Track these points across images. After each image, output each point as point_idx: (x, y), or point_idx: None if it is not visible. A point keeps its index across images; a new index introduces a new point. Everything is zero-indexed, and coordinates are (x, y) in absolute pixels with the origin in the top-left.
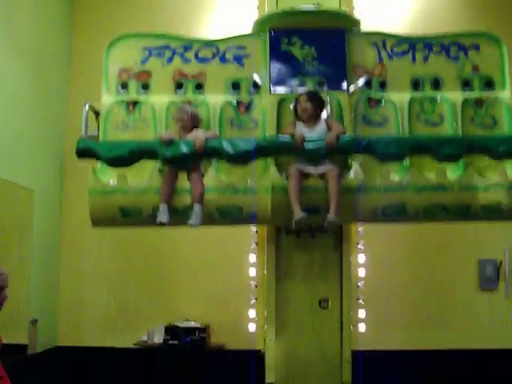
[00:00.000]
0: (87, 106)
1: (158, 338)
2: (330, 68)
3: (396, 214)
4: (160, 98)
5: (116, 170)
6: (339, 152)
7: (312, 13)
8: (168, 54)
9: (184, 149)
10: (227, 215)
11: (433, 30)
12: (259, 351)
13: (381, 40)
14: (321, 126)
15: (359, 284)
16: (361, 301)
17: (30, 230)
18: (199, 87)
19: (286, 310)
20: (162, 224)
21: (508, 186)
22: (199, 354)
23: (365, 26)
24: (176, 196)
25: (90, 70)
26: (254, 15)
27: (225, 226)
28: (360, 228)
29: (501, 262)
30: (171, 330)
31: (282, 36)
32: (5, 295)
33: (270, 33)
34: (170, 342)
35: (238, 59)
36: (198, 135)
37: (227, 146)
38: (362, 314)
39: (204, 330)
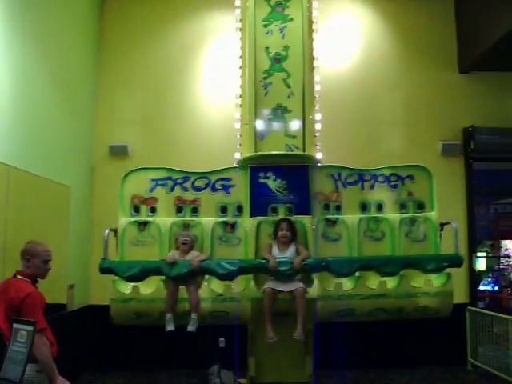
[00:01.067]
0: (107, 232)
1: None
2: (297, 196)
3: (347, 315)
4: (164, 219)
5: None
6: (304, 272)
7: (282, 155)
8: (170, 183)
9: (184, 269)
10: (217, 318)
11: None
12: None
13: (336, 172)
14: (291, 249)
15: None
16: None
17: (67, 217)
18: (195, 211)
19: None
20: (170, 332)
21: (433, 293)
22: None
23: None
24: (177, 304)
25: (114, 91)
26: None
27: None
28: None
29: None
30: None
31: (259, 171)
32: (49, 266)
33: (250, 169)
34: None
35: (225, 188)
36: (193, 257)
37: (216, 267)
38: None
39: None
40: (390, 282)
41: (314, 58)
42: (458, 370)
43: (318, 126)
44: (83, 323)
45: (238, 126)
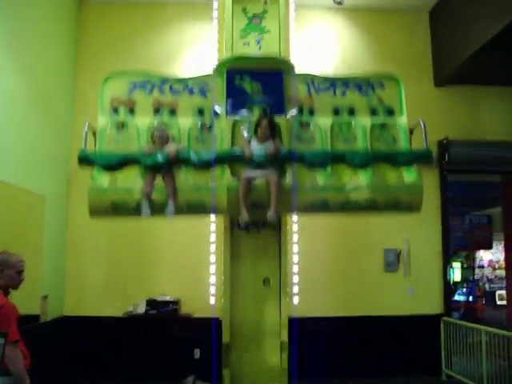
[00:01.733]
0: (87, 125)
1: (141, 309)
2: (272, 99)
3: (321, 207)
4: (142, 120)
5: (108, 174)
6: (279, 161)
7: (259, 58)
8: (149, 87)
9: (160, 158)
10: (193, 208)
11: (351, 69)
12: (218, 318)
13: (310, 79)
14: (269, 144)
15: (294, 267)
16: (295, 280)
17: (41, 227)
18: (173, 112)
19: (238, 287)
20: (145, 215)
21: (404, 187)
22: (172, 320)
23: (299, 65)
24: (154, 194)
25: (90, 100)
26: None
27: (192, 217)
28: (294, 225)
29: (400, 251)
30: (151, 303)
31: (235, 75)
32: (23, 277)
33: (227, 72)
34: (150, 312)
35: (203, 92)
36: (171, 148)
37: (193, 156)
38: (295, 289)
39: (176, 302)
40: (363, 177)
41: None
42: (432, 379)
43: None
44: (57, 334)
45: None
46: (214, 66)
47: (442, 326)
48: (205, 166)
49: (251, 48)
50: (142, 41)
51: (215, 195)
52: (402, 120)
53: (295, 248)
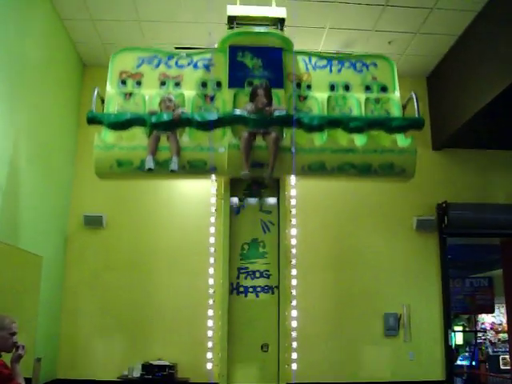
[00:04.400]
0: (96, 91)
1: (136, 373)
2: (271, 73)
3: (318, 169)
4: (149, 91)
5: (114, 134)
6: (278, 123)
7: (260, 33)
8: (155, 61)
9: (165, 117)
10: (195, 167)
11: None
12: None
13: (308, 56)
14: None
15: (292, 333)
16: (293, 345)
17: (38, 288)
18: (177, 85)
19: (235, 352)
20: (149, 170)
21: (397, 151)
22: None
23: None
24: (159, 152)
25: (91, 161)
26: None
27: (193, 176)
28: (293, 290)
29: (400, 315)
30: (147, 367)
31: (237, 50)
32: (16, 339)
33: (229, 48)
34: (146, 376)
35: (206, 67)
36: (176, 111)
37: (196, 117)
38: (294, 355)
39: (172, 367)
40: (358, 140)
41: None
42: None
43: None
44: None
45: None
46: (218, 42)
47: None
48: (207, 126)
49: None
50: None
51: (216, 155)
52: (395, 95)
53: (294, 313)
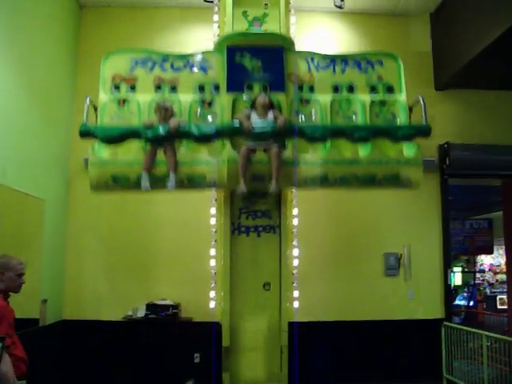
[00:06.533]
0: (88, 100)
1: (141, 313)
2: (272, 76)
3: (320, 181)
4: (144, 97)
5: (109, 148)
6: (280, 135)
7: (259, 34)
8: (150, 64)
9: (161, 131)
10: (194, 182)
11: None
12: (218, 323)
13: (310, 56)
14: (269, 116)
15: (294, 271)
16: (295, 284)
17: (41, 231)
18: (173, 89)
19: (238, 291)
20: (145, 189)
21: (404, 161)
22: (172, 325)
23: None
24: (156, 167)
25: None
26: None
27: (192, 190)
28: (294, 229)
29: (401, 255)
30: (151, 307)
31: (235, 51)
32: (23, 280)
33: (227, 49)
34: (150, 316)
35: (203, 68)
36: (172, 121)
37: (194, 129)
38: (296, 294)
39: (176, 306)
40: (362, 151)
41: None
42: None
43: None
44: (56, 338)
45: None
46: (215, 43)
47: (442, 330)
48: (205, 139)
49: None
50: (141, 44)
51: (215, 168)
52: (402, 97)
53: (295, 252)
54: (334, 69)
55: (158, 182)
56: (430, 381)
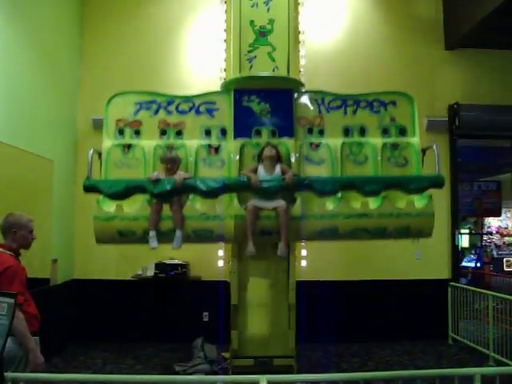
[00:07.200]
0: (92, 151)
1: (150, 272)
2: (280, 120)
3: (330, 235)
4: (149, 142)
5: (114, 201)
6: (288, 189)
7: (267, 77)
8: (154, 107)
9: (167, 186)
10: (201, 236)
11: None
12: (226, 281)
13: (320, 97)
14: (277, 170)
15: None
16: (303, 243)
17: (50, 191)
18: (179, 133)
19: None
20: (153, 248)
21: (415, 214)
22: (181, 284)
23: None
24: (162, 222)
25: (97, 65)
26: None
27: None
28: None
29: None
30: (160, 266)
31: (243, 94)
32: (34, 236)
33: (235, 92)
34: (159, 275)
35: (210, 111)
36: (178, 175)
37: (200, 184)
38: (303, 253)
39: (185, 265)
40: (373, 203)
41: (299, 32)
42: (439, 343)
43: None
44: (67, 297)
45: None
46: (222, 85)
47: (449, 291)
48: (212, 193)
49: (259, 10)
50: (148, 5)
51: (222, 223)
52: (415, 140)
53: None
54: (345, 110)
55: (163, 237)
56: (436, 340)
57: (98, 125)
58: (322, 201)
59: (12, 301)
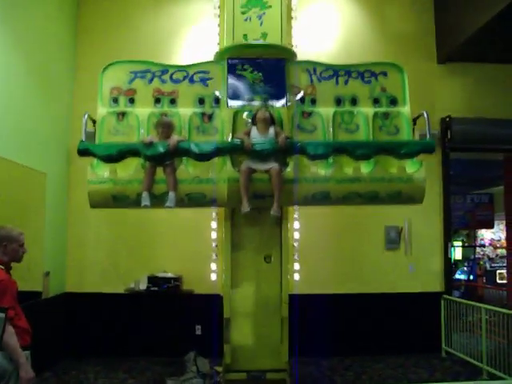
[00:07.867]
0: (86, 116)
1: (143, 286)
2: (273, 88)
3: (322, 199)
4: (143, 110)
5: (108, 165)
6: (281, 152)
7: (260, 46)
8: (149, 76)
9: (161, 149)
10: (194, 200)
11: (353, 46)
12: (219, 295)
13: (312, 67)
14: (271, 131)
15: (295, 244)
16: (296, 256)
17: (43, 204)
18: (173, 102)
19: (239, 264)
20: (145, 206)
21: (407, 179)
22: (174, 297)
23: (300, 53)
24: (155, 185)
25: (90, 78)
26: (215, 44)
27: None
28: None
29: (401, 228)
30: (152, 280)
31: (236, 63)
32: (25, 249)
33: (228, 61)
34: (152, 288)
35: (203, 81)
36: (172, 139)
37: (194, 147)
38: (296, 266)
39: (178, 279)
40: (365, 168)
41: (292, 46)
42: (432, 356)
43: None
44: (58, 311)
45: None
46: (215, 54)
47: (442, 303)
48: (205, 157)
49: (252, 24)
50: (142, 16)
51: (215, 187)
52: (405, 109)
53: (296, 225)
54: (336, 80)
55: (157, 200)
56: (429, 353)
57: (90, 137)
58: (315, 165)
59: (2, 315)
